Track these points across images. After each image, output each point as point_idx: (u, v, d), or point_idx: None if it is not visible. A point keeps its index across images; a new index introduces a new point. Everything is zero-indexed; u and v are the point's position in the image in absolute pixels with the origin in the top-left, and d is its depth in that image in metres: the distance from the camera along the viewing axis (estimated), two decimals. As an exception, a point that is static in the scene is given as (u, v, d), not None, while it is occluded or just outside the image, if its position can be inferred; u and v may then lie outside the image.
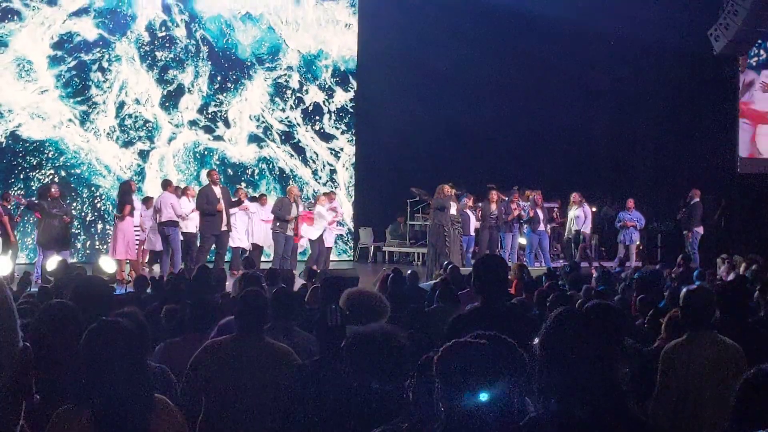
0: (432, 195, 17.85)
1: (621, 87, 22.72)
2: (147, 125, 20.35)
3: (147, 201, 17.73)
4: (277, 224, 17.35)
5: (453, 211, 17.27)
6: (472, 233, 18.67)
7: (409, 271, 11.64)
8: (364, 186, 22.92)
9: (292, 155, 22.42)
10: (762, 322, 6.93)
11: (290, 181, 21.37)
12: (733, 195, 21.76)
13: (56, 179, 18.32)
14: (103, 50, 19.85)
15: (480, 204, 19.00)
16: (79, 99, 19.39)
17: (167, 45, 20.89)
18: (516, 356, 2.93)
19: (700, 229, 18.89)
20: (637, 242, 19.55)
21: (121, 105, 20.01)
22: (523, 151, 22.37)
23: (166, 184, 16.75)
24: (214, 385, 4.99)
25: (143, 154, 20.29)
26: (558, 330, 3.04)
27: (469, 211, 18.63)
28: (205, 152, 21.24)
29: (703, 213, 19.07)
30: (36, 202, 15.92)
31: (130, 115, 20.13)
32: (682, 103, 22.27)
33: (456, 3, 21.82)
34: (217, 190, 16.22)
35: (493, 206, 18.35)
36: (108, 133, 19.80)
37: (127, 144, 20.09)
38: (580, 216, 18.99)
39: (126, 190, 16.28)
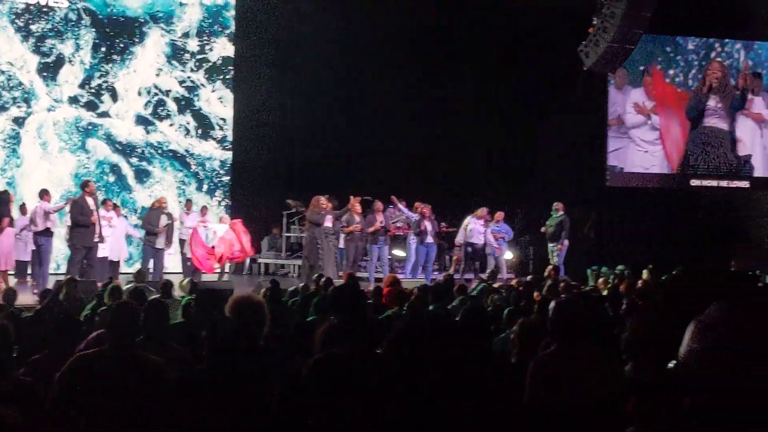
0: (307, 206, 17.76)
1: (488, 102, 23.04)
2: (22, 87, 19.76)
3: (22, 207, 17.39)
4: (146, 237, 17.16)
5: (328, 223, 17.22)
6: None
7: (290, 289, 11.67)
8: (239, 196, 22.59)
9: (187, 132, 22.02)
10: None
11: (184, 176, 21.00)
12: (603, 208, 22.30)
13: None
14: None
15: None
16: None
17: (44, 15, 20.28)
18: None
19: (566, 242, 19.26)
20: (508, 255, 19.80)
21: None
22: (406, 163, 22.40)
23: (42, 194, 16.25)
24: (82, 399, 4.85)
25: (19, 121, 19.68)
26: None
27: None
28: (89, 126, 20.72)
29: (571, 225, 19.49)
30: None
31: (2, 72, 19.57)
32: (554, 117, 22.73)
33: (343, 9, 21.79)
34: (91, 201, 15.79)
35: (357, 218, 18.32)
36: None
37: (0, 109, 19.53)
38: (474, 228, 19.12)
39: (4, 200, 15.76)
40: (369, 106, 22.11)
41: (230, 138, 22.62)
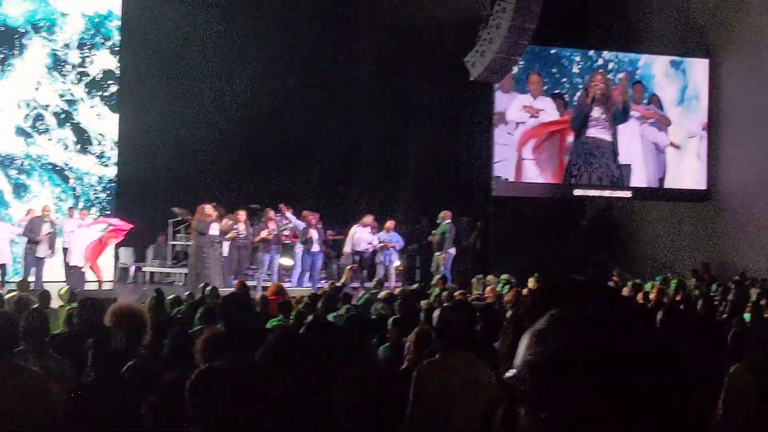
0: (194, 214, 17.55)
1: (388, 110, 23.15)
2: None
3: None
4: (27, 245, 16.93)
5: (214, 231, 17.04)
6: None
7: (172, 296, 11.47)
8: (125, 202, 22.06)
9: (66, 147, 21.37)
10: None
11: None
12: (489, 217, 22.58)
13: None
14: None
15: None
16: None
17: None
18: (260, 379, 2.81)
19: (452, 250, 19.44)
20: (397, 263, 19.88)
21: None
22: (296, 171, 22.30)
23: None
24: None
25: None
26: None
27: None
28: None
29: (458, 235, 19.69)
30: None
31: None
32: (443, 126, 22.96)
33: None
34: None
35: (242, 226, 18.17)
36: None
37: None
38: (360, 237, 19.12)
39: None
40: (257, 115, 21.93)
41: (107, 153, 21.98)
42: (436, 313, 5.61)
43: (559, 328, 1.48)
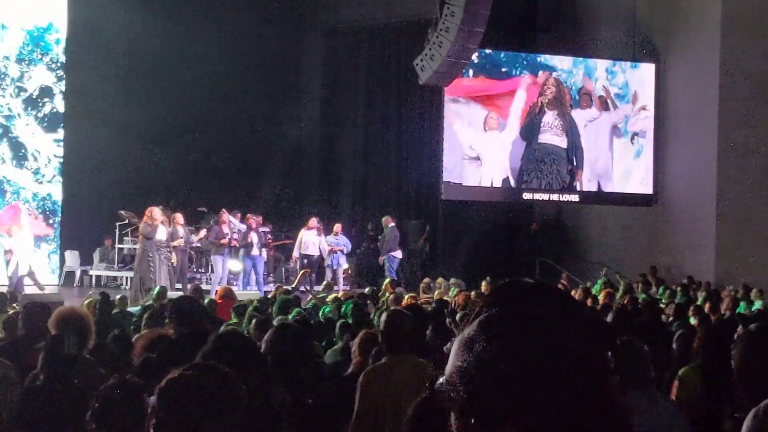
0: (141, 218, 17.39)
1: (331, 110, 23.12)
2: None
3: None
4: None
5: (162, 236, 16.90)
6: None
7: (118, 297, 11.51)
8: (72, 205, 21.75)
9: (3, 161, 20.97)
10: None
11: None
12: (438, 220, 22.65)
13: None
14: None
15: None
16: None
17: None
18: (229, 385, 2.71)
19: (398, 254, 19.60)
20: (345, 266, 19.89)
21: None
22: (241, 174, 22.17)
23: None
24: None
25: None
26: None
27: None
28: None
29: (405, 238, 19.77)
30: None
31: None
32: (394, 130, 23.03)
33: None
34: None
35: (180, 230, 18.04)
36: None
37: None
38: (308, 240, 19.09)
39: None
40: (202, 119, 21.81)
41: (42, 170, 21.57)
42: (383, 316, 5.58)
43: (487, 335, 1.45)
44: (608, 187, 22.59)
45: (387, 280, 16.26)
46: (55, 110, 21.58)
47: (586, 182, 22.33)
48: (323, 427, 5.00)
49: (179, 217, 18.12)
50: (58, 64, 21.67)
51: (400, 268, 19.80)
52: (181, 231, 17.93)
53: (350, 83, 23.47)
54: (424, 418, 3.35)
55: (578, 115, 22.24)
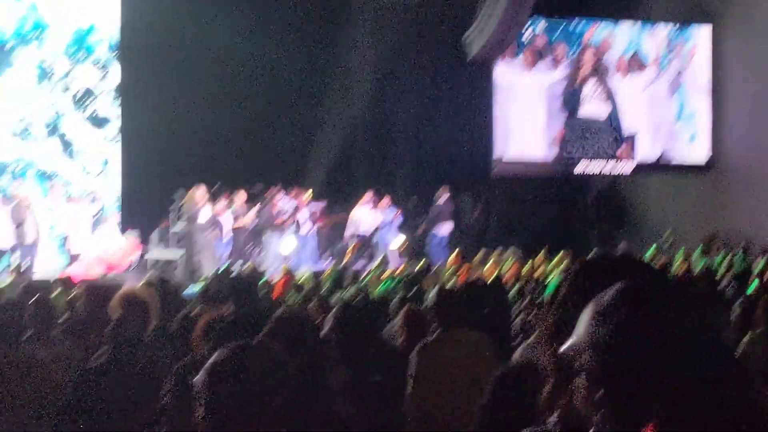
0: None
1: (382, 87, 23.00)
2: None
3: None
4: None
5: (206, 216, 17.04)
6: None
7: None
8: (132, 185, 21.92)
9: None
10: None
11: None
12: (489, 196, 22.51)
13: None
14: None
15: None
16: None
17: None
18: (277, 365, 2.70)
19: (443, 230, 19.84)
20: (400, 242, 19.88)
21: None
22: (293, 147, 22.21)
23: None
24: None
25: None
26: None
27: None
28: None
29: (455, 211, 20.06)
30: None
31: None
32: (441, 106, 22.88)
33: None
34: None
35: (240, 209, 18.18)
36: None
37: None
38: (361, 218, 19.27)
39: None
40: (260, 95, 21.89)
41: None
42: (434, 291, 5.57)
43: (624, 305, 1.50)
44: (672, 150, 22.24)
45: (453, 253, 16.24)
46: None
47: (641, 150, 22.02)
48: (384, 404, 5.01)
49: (240, 197, 18.27)
50: (113, 63, 21.88)
51: (453, 242, 19.65)
52: (236, 212, 18.09)
53: (399, 58, 23.28)
54: (503, 390, 3.36)
55: (635, 80, 21.94)
